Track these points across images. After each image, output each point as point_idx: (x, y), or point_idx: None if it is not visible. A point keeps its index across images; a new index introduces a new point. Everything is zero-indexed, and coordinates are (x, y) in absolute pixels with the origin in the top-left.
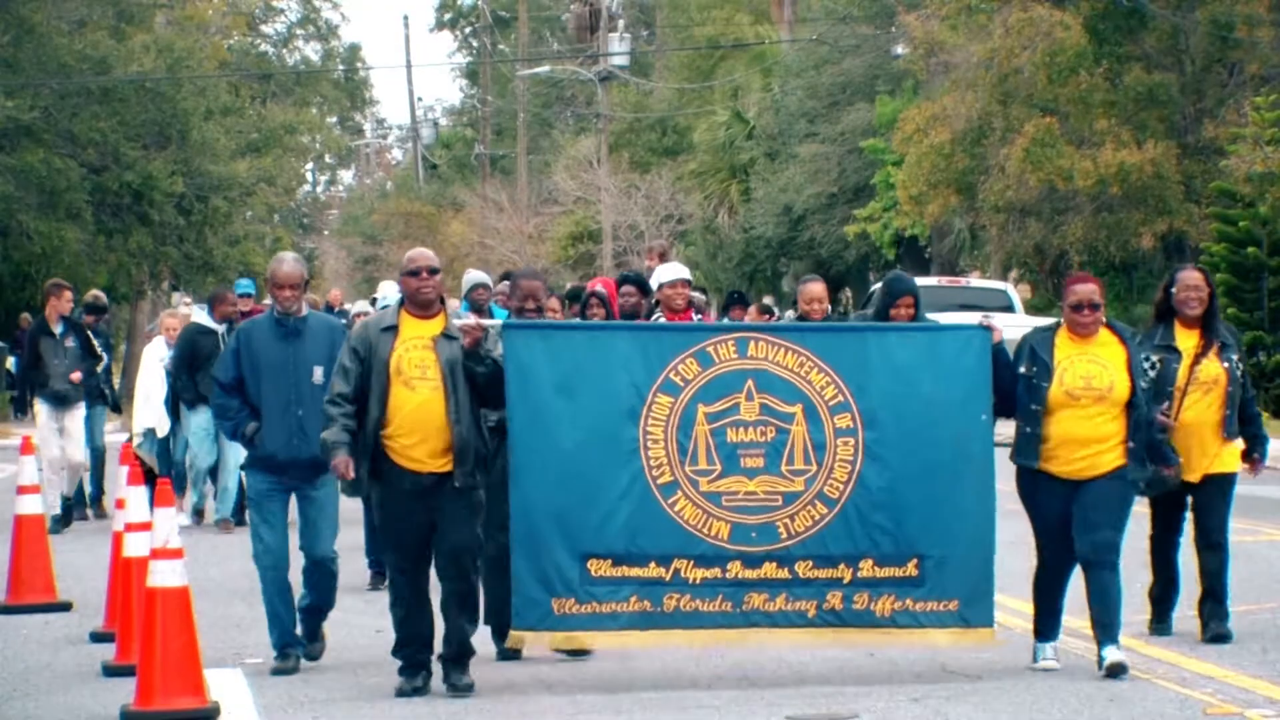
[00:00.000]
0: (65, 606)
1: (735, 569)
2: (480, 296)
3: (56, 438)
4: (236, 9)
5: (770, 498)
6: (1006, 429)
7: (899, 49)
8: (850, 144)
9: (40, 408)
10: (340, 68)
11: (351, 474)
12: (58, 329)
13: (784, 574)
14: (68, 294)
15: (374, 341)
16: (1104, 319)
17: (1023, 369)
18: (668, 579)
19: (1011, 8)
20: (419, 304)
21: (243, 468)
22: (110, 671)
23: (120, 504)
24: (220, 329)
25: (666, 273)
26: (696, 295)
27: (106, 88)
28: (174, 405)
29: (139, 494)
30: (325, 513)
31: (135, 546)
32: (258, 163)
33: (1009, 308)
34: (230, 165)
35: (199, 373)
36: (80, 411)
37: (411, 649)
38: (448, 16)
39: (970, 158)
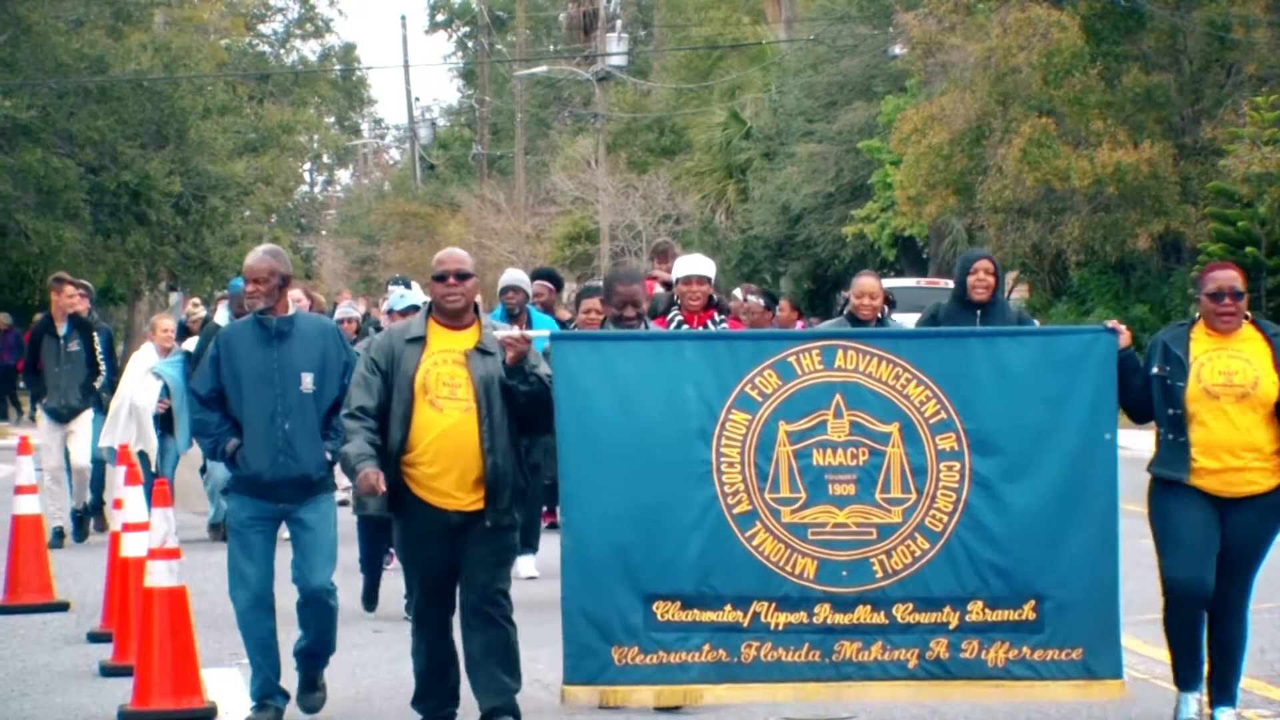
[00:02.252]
0: (63, 606)
1: (824, 612)
2: (514, 300)
3: (60, 444)
4: (235, 10)
5: (863, 531)
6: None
7: (897, 49)
8: (848, 143)
9: (41, 416)
10: (338, 68)
11: (383, 487)
12: (61, 329)
13: (880, 618)
14: (69, 288)
15: (397, 353)
16: (1247, 312)
17: (1155, 369)
18: (746, 624)
19: (1009, 8)
20: (447, 313)
21: (224, 492)
22: (108, 671)
23: (118, 504)
24: None
25: (683, 266)
26: (757, 301)
27: (104, 87)
28: (164, 419)
29: (136, 494)
30: (320, 539)
31: (132, 546)
32: (255, 162)
33: None
34: (228, 165)
35: None
36: (86, 416)
37: (434, 703)
38: (442, 17)
39: (968, 158)
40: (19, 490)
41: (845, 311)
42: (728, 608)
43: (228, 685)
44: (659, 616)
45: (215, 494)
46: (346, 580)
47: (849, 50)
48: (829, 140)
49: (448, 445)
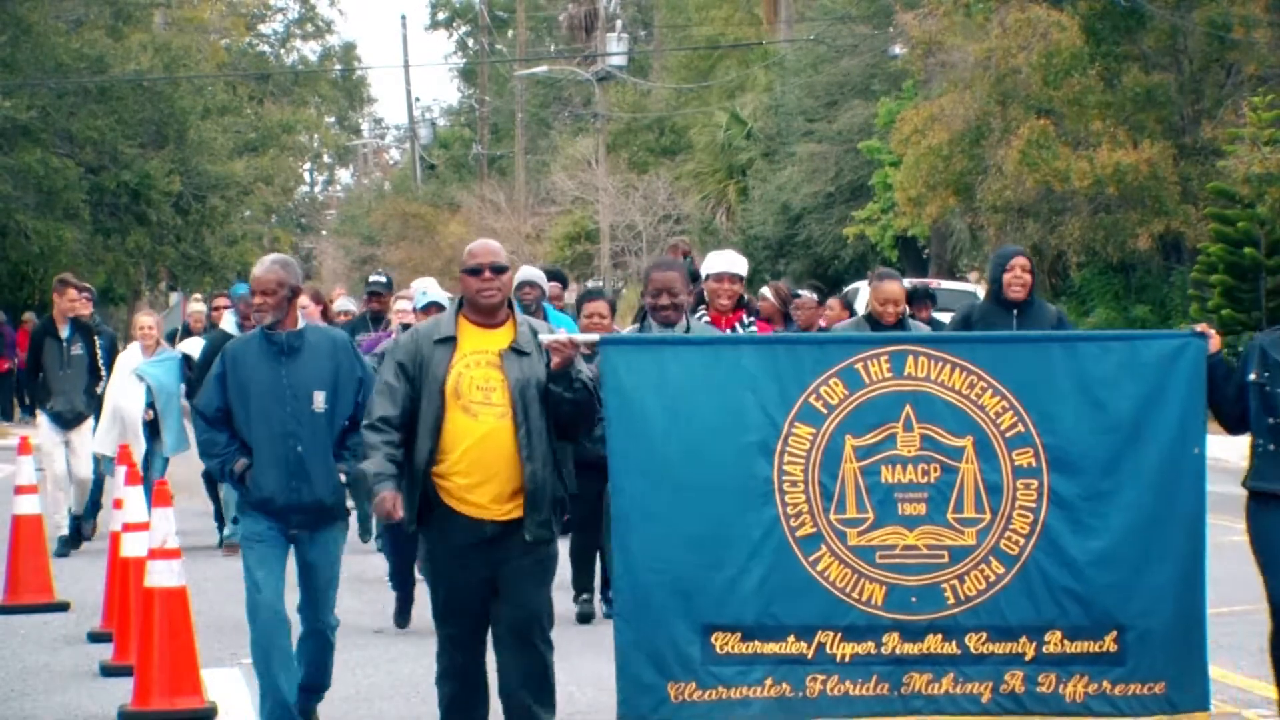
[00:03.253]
0: (63, 606)
1: (892, 642)
2: (529, 296)
3: (62, 451)
4: (235, 10)
5: (934, 554)
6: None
7: (897, 49)
8: (848, 143)
9: (42, 420)
10: (338, 67)
11: (400, 513)
12: (64, 332)
13: (951, 649)
14: (72, 291)
15: (425, 356)
16: None
17: (1253, 375)
18: (810, 656)
19: (1009, 8)
20: (481, 310)
21: (234, 518)
22: (108, 671)
23: (118, 504)
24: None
25: (713, 263)
26: (810, 295)
27: (104, 87)
28: (152, 424)
29: (136, 494)
30: (328, 572)
31: (133, 546)
32: (255, 162)
33: None
34: (228, 165)
35: None
36: (88, 424)
37: None
38: (443, 16)
39: (968, 159)
40: (19, 490)
41: (865, 314)
42: (791, 638)
43: (228, 685)
44: (718, 649)
45: (232, 508)
46: (354, 588)
47: (849, 50)
48: (829, 140)
49: (484, 454)
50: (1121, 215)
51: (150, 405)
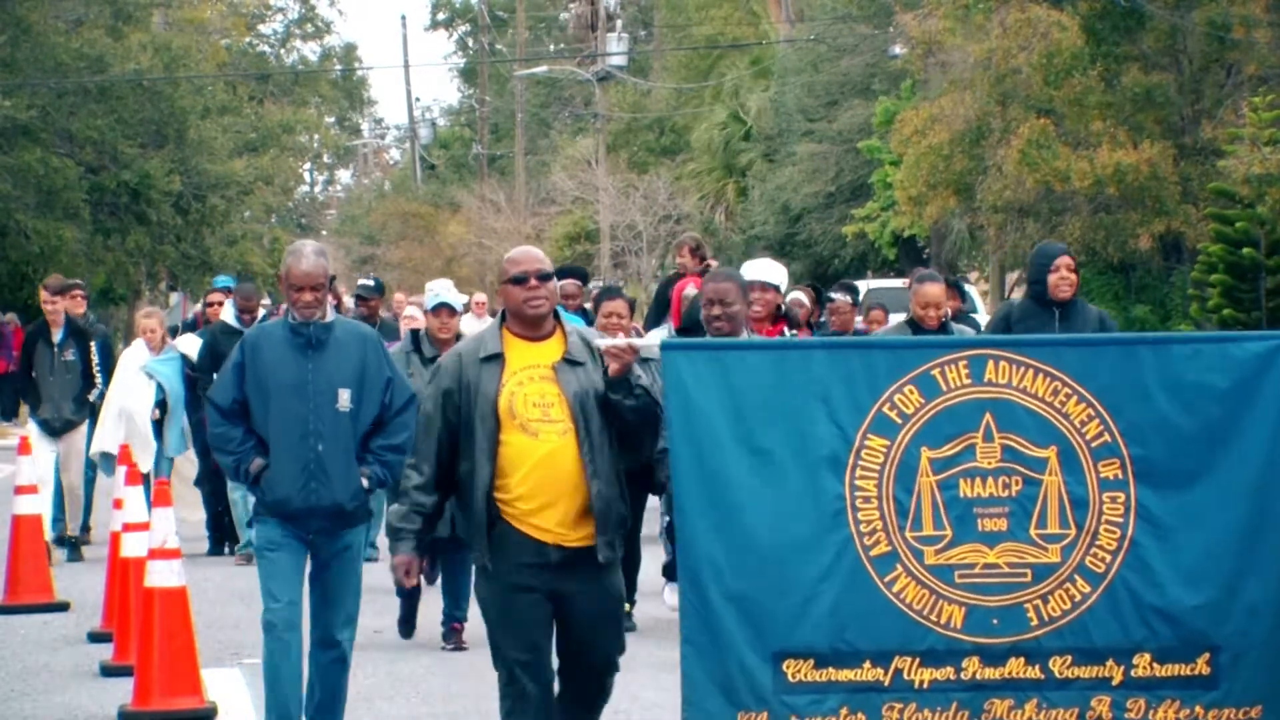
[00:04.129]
0: (63, 606)
1: (972, 667)
2: None
3: (50, 459)
4: (235, 10)
5: (1017, 572)
6: None
7: (896, 48)
8: (848, 143)
9: (32, 427)
10: (338, 68)
11: (412, 581)
12: (57, 336)
13: (1035, 673)
14: (44, 293)
15: (471, 378)
16: None
17: None
18: (887, 683)
19: (1009, 8)
20: (528, 322)
21: (249, 523)
22: (108, 671)
23: (118, 504)
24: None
25: (748, 273)
26: (844, 298)
27: (104, 86)
28: (159, 425)
29: (136, 494)
30: (347, 580)
31: (133, 546)
32: (255, 162)
33: (971, 309)
34: (228, 164)
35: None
36: (81, 431)
37: None
38: (443, 16)
39: (968, 159)
40: (19, 490)
41: (906, 319)
42: (866, 664)
43: (228, 685)
44: (790, 677)
45: (245, 513)
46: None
47: (849, 50)
48: (829, 140)
49: (548, 475)
50: (1122, 215)
51: (159, 404)
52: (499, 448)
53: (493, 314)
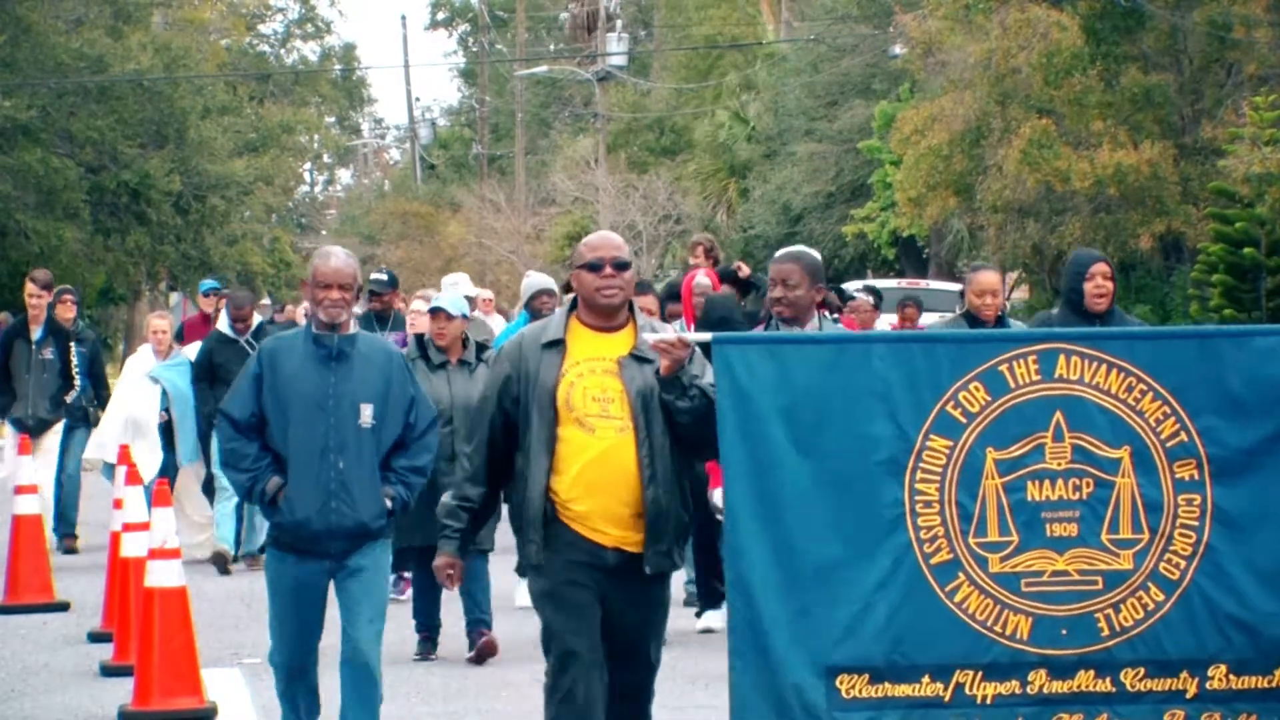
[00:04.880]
0: (63, 606)
1: (1039, 680)
2: (546, 306)
3: (12, 454)
4: (235, 10)
5: (1087, 580)
6: None
7: (896, 48)
8: (848, 143)
9: (6, 427)
10: (338, 68)
11: (454, 586)
12: (36, 334)
13: (1105, 686)
14: (31, 286)
15: (532, 364)
16: None
17: None
18: (947, 698)
19: (1009, 8)
20: (600, 311)
21: (263, 548)
22: (108, 671)
23: (118, 504)
24: (242, 338)
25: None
26: (865, 298)
27: (104, 86)
28: (164, 429)
29: (136, 494)
30: (371, 593)
31: (133, 546)
32: (255, 162)
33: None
34: (228, 164)
35: (217, 386)
36: (55, 431)
37: None
38: (443, 15)
39: (968, 159)
40: (19, 490)
41: (963, 312)
42: (925, 679)
43: (228, 685)
44: (844, 693)
45: (241, 516)
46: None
47: (849, 50)
48: (829, 140)
49: (601, 474)
50: (1122, 215)
51: (165, 409)
52: (555, 441)
53: (500, 311)
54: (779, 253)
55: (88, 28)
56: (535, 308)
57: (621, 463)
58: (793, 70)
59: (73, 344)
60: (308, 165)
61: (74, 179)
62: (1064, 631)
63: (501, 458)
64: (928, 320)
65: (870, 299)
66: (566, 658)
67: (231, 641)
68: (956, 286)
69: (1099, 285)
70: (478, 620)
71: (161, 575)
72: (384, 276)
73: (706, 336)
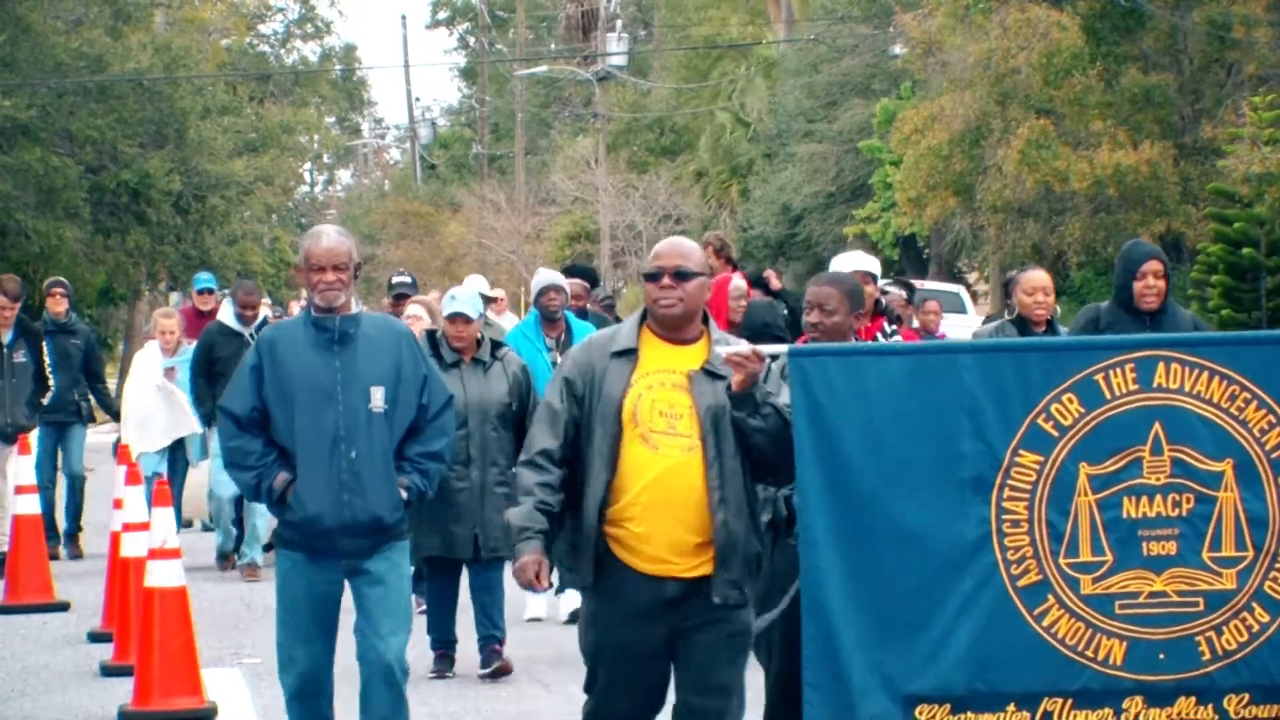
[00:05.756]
0: (63, 606)
1: (1135, 708)
2: (555, 302)
3: (1, 469)
4: (235, 10)
5: (1187, 601)
6: None
7: (896, 48)
8: (848, 143)
9: None
10: (338, 68)
11: (545, 583)
12: (6, 336)
13: (1206, 713)
14: (55, 292)
15: (599, 372)
16: None
17: None
18: None
19: (1009, 8)
20: (661, 322)
21: (269, 546)
22: (108, 671)
23: (118, 504)
24: (247, 331)
25: (843, 263)
26: (899, 293)
27: (103, 86)
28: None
29: (136, 494)
30: (392, 598)
31: (133, 546)
32: (255, 162)
33: (960, 309)
34: (228, 164)
35: (217, 382)
36: (31, 438)
37: None
38: (443, 15)
39: (968, 159)
40: (19, 490)
41: (1012, 318)
42: (1010, 708)
43: (228, 685)
44: None
45: (222, 516)
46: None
47: (849, 50)
48: (829, 140)
49: (664, 495)
50: (1122, 215)
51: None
52: (617, 458)
53: (515, 308)
54: (819, 274)
55: (87, 27)
56: (543, 304)
57: (687, 483)
58: (792, 71)
59: (43, 343)
60: (308, 165)
61: (74, 179)
62: (1162, 656)
63: (573, 466)
64: (961, 323)
65: (903, 293)
66: (608, 716)
67: (231, 641)
68: (956, 287)
69: (1149, 285)
70: (490, 636)
71: (161, 575)
72: (407, 279)
73: (781, 348)
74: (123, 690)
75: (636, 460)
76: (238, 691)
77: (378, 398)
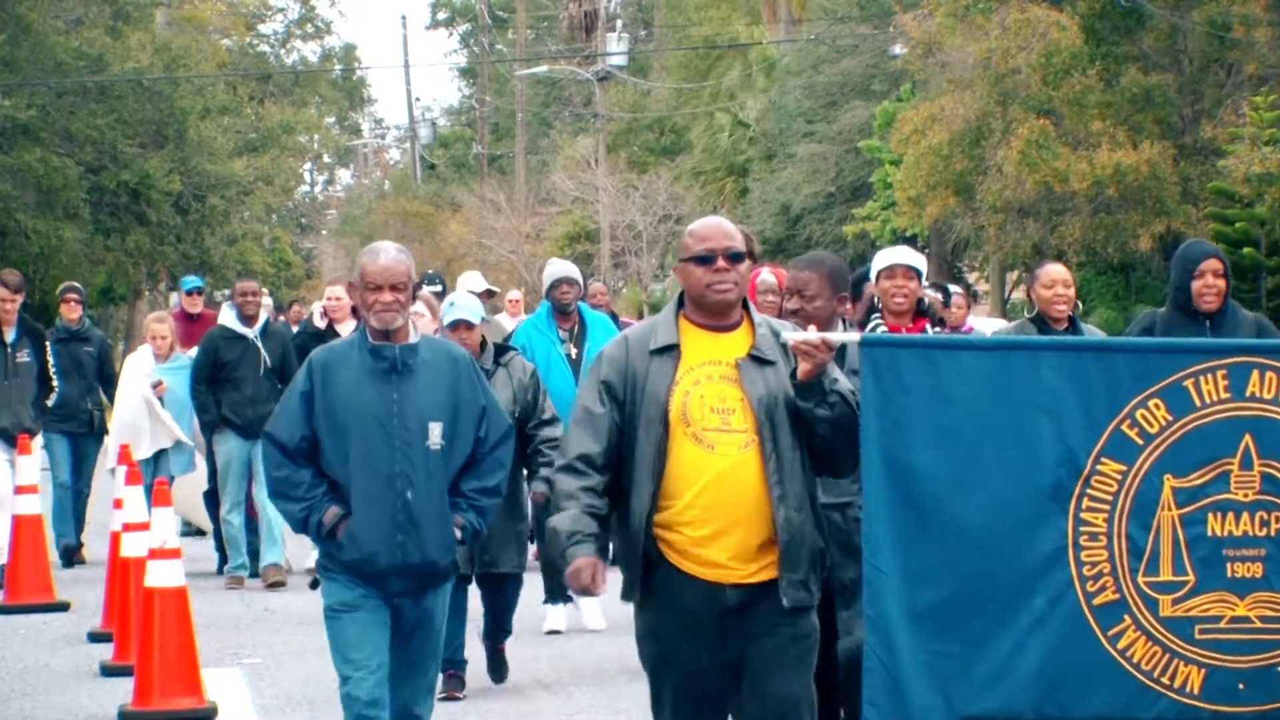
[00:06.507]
0: (63, 606)
1: None
2: (568, 295)
3: (7, 471)
4: (235, 10)
5: (1271, 628)
6: None
7: (896, 48)
8: (848, 143)
9: None
10: (338, 68)
11: (602, 588)
12: (9, 335)
13: None
14: (2, 290)
15: (639, 372)
16: None
17: None
18: None
19: (1009, 8)
20: (711, 309)
21: (314, 584)
22: (108, 671)
23: (118, 504)
24: (251, 333)
25: (881, 259)
26: (935, 295)
27: (103, 86)
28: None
29: (136, 494)
30: (431, 646)
31: (133, 546)
32: (255, 162)
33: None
34: (228, 164)
35: (223, 388)
36: (36, 443)
37: None
38: (443, 15)
39: (968, 158)
40: (19, 490)
41: (1031, 316)
42: None
43: (228, 685)
44: None
45: (238, 535)
46: None
47: (849, 50)
48: (829, 140)
49: (723, 496)
50: (1122, 215)
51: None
52: (667, 460)
53: (529, 310)
54: (797, 259)
55: (87, 27)
56: (556, 298)
57: (747, 483)
58: (792, 71)
59: (47, 343)
60: (308, 165)
61: (74, 178)
62: (1242, 686)
63: (618, 471)
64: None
65: (938, 295)
66: None
67: (231, 641)
68: (954, 288)
69: (1208, 284)
70: (495, 639)
71: (161, 575)
72: (438, 286)
73: (854, 337)
74: (123, 690)
75: (690, 462)
76: (238, 691)
77: (435, 434)
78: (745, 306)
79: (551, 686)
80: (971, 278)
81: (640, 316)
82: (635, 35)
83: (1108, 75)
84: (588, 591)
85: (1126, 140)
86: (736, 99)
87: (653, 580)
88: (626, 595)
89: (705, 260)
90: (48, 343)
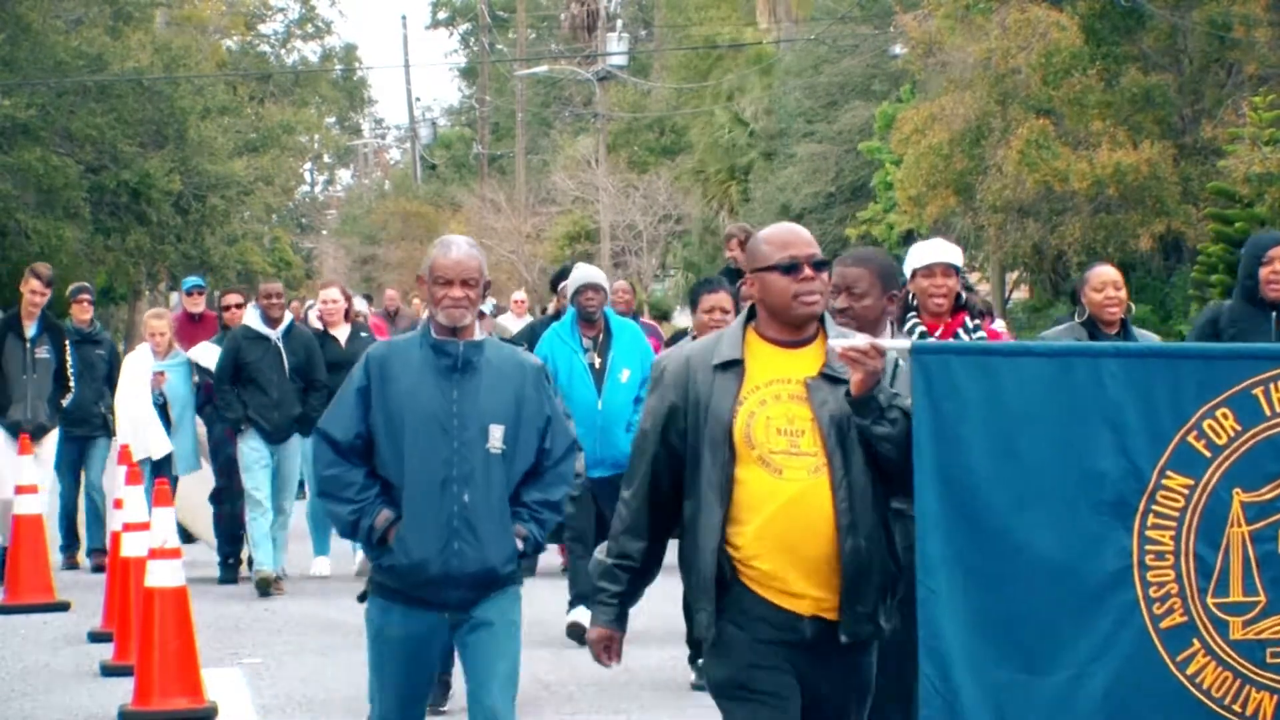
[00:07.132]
0: (63, 606)
1: None
2: (594, 302)
3: (13, 473)
4: (235, 10)
5: None
6: None
7: (897, 48)
8: (848, 144)
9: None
10: (338, 68)
11: (612, 661)
12: (30, 330)
13: None
14: (35, 283)
15: (702, 389)
16: None
17: None
18: None
19: (1009, 8)
20: (790, 322)
21: (361, 596)
22: (108, 671)
23: (118, 504)
24: (274, 334)
25: (918, 255)
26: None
27: (103, 86)
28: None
29: (136, 494)
30: (505, 651)
31: (133, 546)
32: (255, 162)
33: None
34: (228, 164)
35: (247, 388)
36: (52, 439)
37: None
38: (443, 15)
39: (968, 158)
40: (19, 490)
41: (1081, 320)
42: None
43: (228, 685)
44: None
45: (263, 538)
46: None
47: (849, 50)
48: (829, 140)
49: (792, 525)
50: (1122, 215)
51: (159, 408)
52: (732, 485)
53: (533, 311)
54: (844, 254)
55: (87, 27)
56: (581, 304)
57: (818, 509)
58: (791, 71)
59: (66, 341)
60: (308, 165)
61: (74, 178)
62: None
63: (666, 504)
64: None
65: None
66: None
67: (231, 641)
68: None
69: (1276, 270)
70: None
71: (161, 575)
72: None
73: (904, 343)
74: (123, 690)
75: (757, 488)
76: (238, 691)
77: (496, 437)
78: (820, 320)
79: (551, 685)
80: (972, 278)
81: (639, 316)
82: (635, 35)
83: (1108, 75)
84: (600, 661)
85: (1126, 140)
86: (735, 100)
87: (726, 602)
88: (697, 639)
89: (790, 269)
90: (67, 342)
